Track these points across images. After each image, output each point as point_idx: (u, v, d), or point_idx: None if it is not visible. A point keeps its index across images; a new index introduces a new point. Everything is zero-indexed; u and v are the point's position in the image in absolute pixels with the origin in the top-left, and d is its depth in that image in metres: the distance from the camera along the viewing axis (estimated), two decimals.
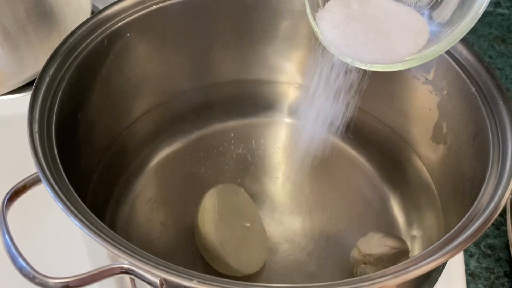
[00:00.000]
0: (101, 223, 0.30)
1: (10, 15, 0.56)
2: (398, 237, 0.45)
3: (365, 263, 0.43)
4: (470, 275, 0.49)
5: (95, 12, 0.44)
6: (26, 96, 0.54)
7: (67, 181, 0.32)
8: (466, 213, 0.34)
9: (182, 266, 0.42)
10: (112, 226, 0.46)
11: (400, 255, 0.43)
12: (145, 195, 0.49)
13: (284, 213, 0.49)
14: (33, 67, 0.60)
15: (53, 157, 0.33)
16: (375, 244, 0.44)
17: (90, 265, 0.40)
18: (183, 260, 0.44)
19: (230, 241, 0.43)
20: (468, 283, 0.48)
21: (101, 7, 0.59)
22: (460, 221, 0.33)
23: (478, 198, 0.35)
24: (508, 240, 0.50)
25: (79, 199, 0.31)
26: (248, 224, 0.45)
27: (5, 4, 0.55)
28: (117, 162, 0.48)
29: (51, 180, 0.31)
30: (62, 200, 0.30)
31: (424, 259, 0.30)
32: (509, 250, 0.50)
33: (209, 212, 0.44)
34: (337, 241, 0.47)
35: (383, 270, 0.29)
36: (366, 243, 0.44)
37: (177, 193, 0.49)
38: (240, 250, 0.44)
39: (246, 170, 0.52)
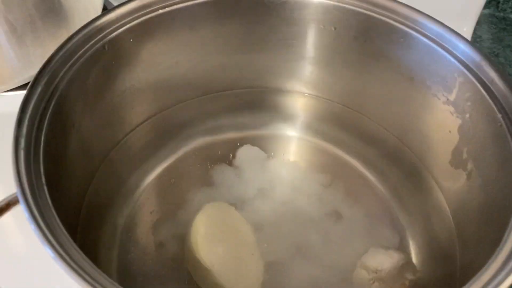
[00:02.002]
0: (80, 252, 0.28)
1: (17, 11, 0.55)
2: (399, 250, 0.44)
3: (373, 281, 0.42)
4: None
5: (108, 8, 0.42)
6: None
7: (50, 204, 0.30)
8: (490, 255, 0.31)
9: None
10: (111, 243, 0.44)
11: (406, 267, 0.43)
12: (145, 210, 0.47)
13: (283, 232, 0.46)
14: (40, 64, 0.58)
15: (38, 176, 0.31)
16: (381, 258, 0.43)
17: None
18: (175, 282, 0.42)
19: (226, 265, 0.41)
20: None
21: (115, 3, 0.57)
22: (484, 262, 0.30)
23: (505, 236, 0.32)
24: None
25: (60, 225, 0.29)
26: (242, 246, 0.43)
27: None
28: (112, 178, 0.46)
29: (31, 203, 0.29)
30: (39, 226, 0.28)
31: None
32: None
33: (201, 237, 0.41)
34: (339, 260, 0.44)
35: None
36: (371, 258, 0.43)
37: (176, 208, 0.47)
38: (237, 273, 0.42)
39: (249, 185, 0.49)
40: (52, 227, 0.29)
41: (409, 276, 0.43)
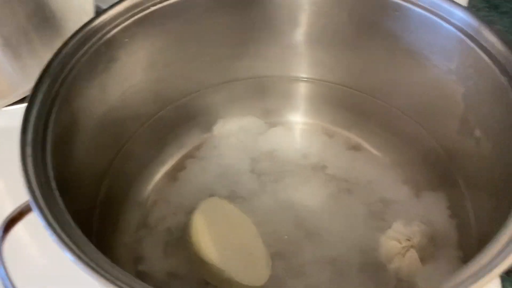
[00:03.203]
0: (99, 253, 0.28)
1: (10, 24, 0.54)
2: (423, 223, 0.44)
3: (408, 249, 0.41)
4: None
5: (99, 12, 0.42)
6: None
7: (63, 208, 0.30)
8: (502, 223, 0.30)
9: None
10: (125, 242, 0.44)
11: (431, 239, 0.43)
12: (155, 208, 0.47)
13: (288, 217, 0.46)
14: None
15: (47, 182, 0.31)
16: (411, 227, 0.42)
17: None
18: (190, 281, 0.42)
19: (233, 258, 0.41)
20: None
21: (105, 6, 0.57)
22: (495, 233, 0.29)
23: None
24: None
25: (76, 228, 0.29)
26: (244, 237, 0.42)
27: (4, 13, 0.53)
28: (122, 179, 0.46)
29: (45, 209, 0.29)
30: (55, 231, 0.28)
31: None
32: None
33: (202, 236, 0.41)
34: (352, 241, 0.44)
35: None
36: (401, 228, 0.42)
37: (188, 205, 0.46)
38: (245, 264, 0.41)
39: (255, 176, 0.49)
40: (69, 231, 0.29)
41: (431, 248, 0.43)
